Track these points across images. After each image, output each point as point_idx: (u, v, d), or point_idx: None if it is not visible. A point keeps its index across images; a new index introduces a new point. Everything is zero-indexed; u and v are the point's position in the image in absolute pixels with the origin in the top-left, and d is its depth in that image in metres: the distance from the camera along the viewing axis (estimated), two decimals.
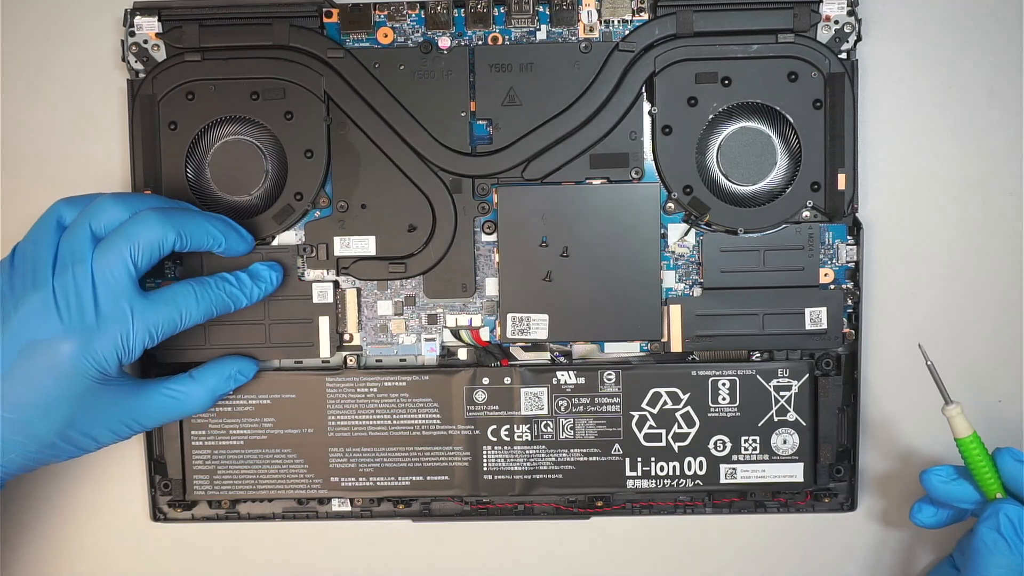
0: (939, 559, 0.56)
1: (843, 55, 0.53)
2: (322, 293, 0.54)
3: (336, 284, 0.54)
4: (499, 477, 0.54)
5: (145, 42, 0.54)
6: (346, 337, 0.55)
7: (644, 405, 0.54)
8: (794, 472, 0.54)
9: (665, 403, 0.54)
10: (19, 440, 0.47)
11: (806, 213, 0.53)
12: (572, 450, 0.54)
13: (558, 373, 0.54)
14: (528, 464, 0.54)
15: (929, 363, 0.50)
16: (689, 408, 0.54)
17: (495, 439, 0.54)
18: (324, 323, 0.54)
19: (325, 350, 0.54)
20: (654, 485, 0.54)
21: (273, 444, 0.54)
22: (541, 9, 0.53)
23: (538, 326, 0.53)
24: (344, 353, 0.55)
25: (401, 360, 0.55)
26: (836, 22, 0.52)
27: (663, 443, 0.54)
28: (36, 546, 0.57)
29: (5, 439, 0.47)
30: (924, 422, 0.56)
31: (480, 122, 0.54)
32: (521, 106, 0.53)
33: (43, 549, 0.57)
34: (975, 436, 0.49)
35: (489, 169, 0.53)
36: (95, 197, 0.49)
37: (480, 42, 0.54)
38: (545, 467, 0.54)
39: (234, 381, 0.53)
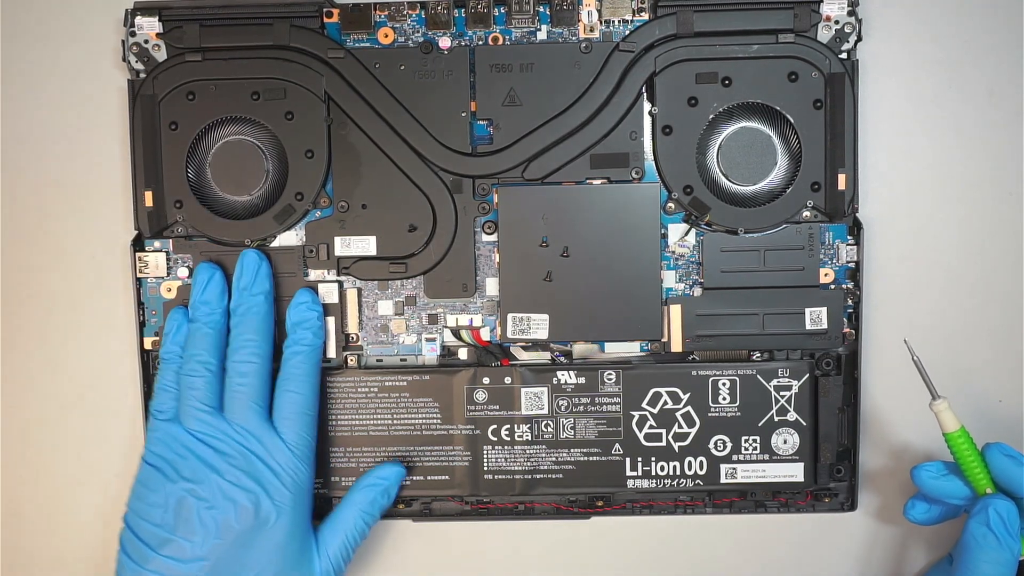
0: (938, 559, 0.56)
1: (843, 55, 0.53)
2: (327, 293, 0.54)
3: (340, 284, 0.54)
4: (499, 477, 0.54)
5: (146, 42, 0.54)
6: (352, 337, 0.55)
7: (644, 405, 0.54)
8: (794, 472, 0.54)
9: (665, 403, 0.54)
10: None
11: (806, 213, 0.53)
12: (572, 450, 0.54)
13: (558, 373, 0.54)
14: (528, 464, 0.54)
15: (915, 359, 0.50)
16: (689, 408, 0.54)
17: (495, 439, 0.54)
18: (330, 323, 0.54)
19: (331, 350, 0.54)
20: (654, 485, 0.54)
21: None
22: (541, 9, 0.54)
23: (538, 326, 0.53)
24: (345, 353, 0.55)
25: (402, 360, 0.55)
26: (836, 22, 0.53)
27: (663, 443, 0.54)
28: (37, 544, 0.57)
29: None
30: (924, 422, 0.56)
31: (480, 122, 0.54)
32: (521, 106, 0.53)
33: (44, 548, 0.57)
34: (963, 431, 0.49)
35: (489, 169, 0.53)
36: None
37: (480, 42, 0.54)
38: (545, 467, 0.54)
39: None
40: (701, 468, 0.54)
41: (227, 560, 0.49)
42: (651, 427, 0.54)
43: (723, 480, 0.54)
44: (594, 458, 0.54)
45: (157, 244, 0.55)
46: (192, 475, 0.49)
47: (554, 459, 0.54)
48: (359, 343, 0.55)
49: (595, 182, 0.53)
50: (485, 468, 0.54)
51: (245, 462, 0.50)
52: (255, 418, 0.50)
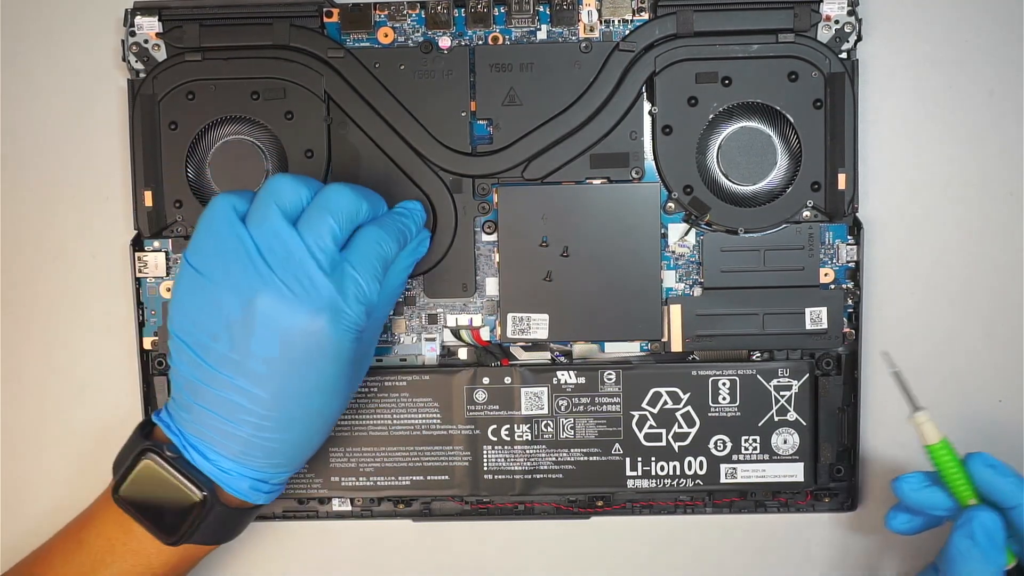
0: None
1: (843, 55, 0.53)
2: None
3: None
4: (499, 477, 0.54)
5: (145, 42, 0.54)
6: None
7: (644, 405, 0.54)
8: (794, 472, 0.54)
9: (665, 403, 0.54)
10: (326, 432, 0.48)
11: (806, 213, 0.53)
12: (572, 450, 0.54)
13: (558, 373, 0.54)
14: (528, 464, 0.54)
15: (894, 371, 0.49)
16: (689, 408, 0.54)
17: (495, 439, 0.54)
18: None
19: None
20: (654, 485, 0.54)
21: None
22: (541, 9, 0.54)
23: (538, 326, 0.53)
24: None
25: (401, 360, 0.55)
26: (836, 22, 0.53)
27: (663, 443, 0.54)
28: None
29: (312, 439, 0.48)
30: None
31: (480, 122, 0.54)
32: (521, 106, 0.53)
33: None
34: (944, 443, 0.48)
35: (489, 169, 0.53)
36: (268, 181, 0.46)
37: (480, 42, 0.54)
38: (545, 467, 0.54)
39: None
40: (701, 468, 0.54)
41: (290, 377, 0.45)
42: (651, 427, 0.54)
43: (723, 480, 0.54)
44: (594, 458, 0.54)
45: (157, 244, 0.55)
46: (242, 286, 0.45)
47: (554, 459, 0.54)
48: None
49: (595, 182, 0.53)
50: (485, 468, 0.54)
51: (306, 274, 0.45)
52: (331, 243, 0.46)
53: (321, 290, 0.44)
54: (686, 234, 0.54)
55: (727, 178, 0.53)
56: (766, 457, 0.54)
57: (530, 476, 0.54)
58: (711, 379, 0.54)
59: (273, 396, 0.45)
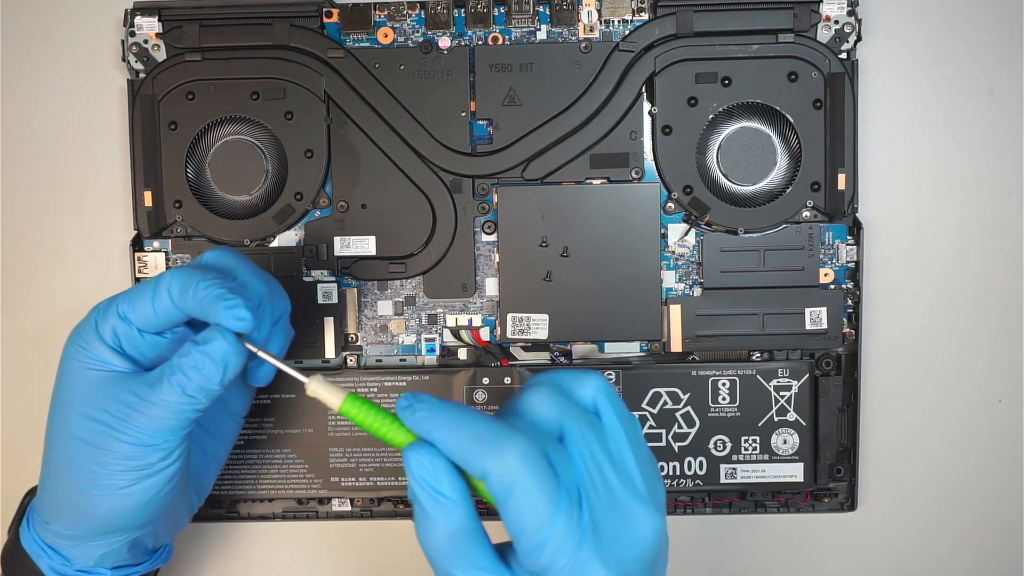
0: (937, 559, 0.56)
1: (843, 55, 0.53)
2: (327, 294, 0.54)
3: (340, 284, 0.54)
4: None
5: (145, 42, 0.54)
6: (351, 338, 0.55)
7: (644, 405, 0.54)
8: (794, 472, 0.54)
9: (665, 403, 0.54)
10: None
11: (806, 213, 0.53)
12: None
13: None
14: None
15: (262, 352, 0.44)
16: (689, 408, 0.54)
17: None
18: (329, 324, 0.54)
19: (330, 350, 0.54)
20: None
21: (273, 444, 0.54)
22: (541, 9, 0.53)
23: (538, 326, 0.53)
24: (344, 353, 0.55)
25: (401, 360, 0.55)
26: (836, 22, 0.52)
27: (663, 443, 0.54)
28: None
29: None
30: (924, 422, 0.56)
31: (480, 122, 0.54)
32: (521, 106, 0.53)
33: None
34: (351, 397, 0.41)
35: (489, 169, 0.53)
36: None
37: (480, 42, 0.54)
38: None
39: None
40: (701, 468, 0.54)
41: None
42: (651, 427, 0.54)
43: (723, 480, 0.54)
44: None
45: (156, 244, 0.55)
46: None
47: None
48: (358, 343, 0.55)
49: (595, 182, 0.53)
50: None
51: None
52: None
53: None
54: (686, 234, 0.54)
55: (727, 178, 0.53)
56: (766, 457, 0.54)
57: None
58: (711, 379, 0.54)
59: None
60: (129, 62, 0.54)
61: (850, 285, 0.54)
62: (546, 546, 0.37)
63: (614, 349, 0.55)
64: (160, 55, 0.54)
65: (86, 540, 0.45)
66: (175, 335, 0.45)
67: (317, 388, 0.42)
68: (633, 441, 0.39)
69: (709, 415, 0.54)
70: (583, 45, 0.53)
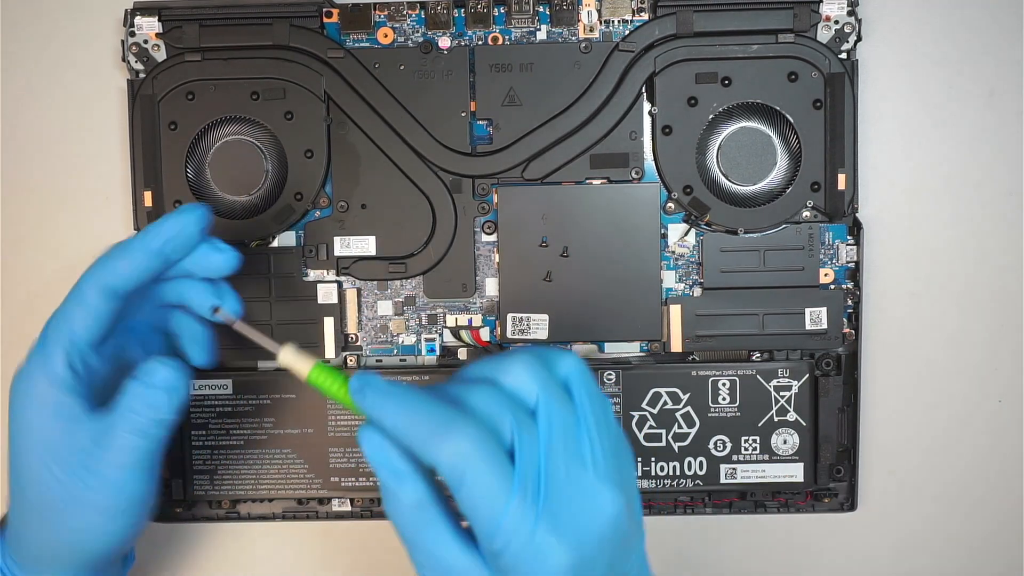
0: (937, 559, 0.56)
1: (843, 55, 0.53)
2: (327, 294, 0.54)
3: (340, 284, 0.54)
4: None
5: (145, 42, 0.54)
6: (351, 338, 0.55)
7: (644, 405, 0.54)
8: (794, 472, 0.54)
9: (665, 403, 0.54)
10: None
11: (806, 213, 0.53)
12: None
13: None
14: None
15: (234, 323, 0.45)
16: (689, 408, 0.54)
17: None
18: (329, 324, 0.54)
19: (330, 350, 0.54)
20: (654, 485, 0.54)
21: (273, 444, 0.54)
22: (541, 9, 0.53)
23: (538, 326, 0.53)
24: (344, 353, 0.55)
25: (401, 360, 0.55)
26: (836, 22, 0.52)
27: (663, 443, 0.54)
28: None
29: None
30: (925, 422, 0.56)
31: (480, 122, 0.54)
32: (521, 106, 0.53)
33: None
34: (319, 366, 0.42)
35: (489, 169, 0.53)
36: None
37: (480, 42, 0.54)
38: None
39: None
40: (701, 468, 0.54)
41: None
42: (651, 427, 0.54)
43: (723, 480, 0.54)
44: None
45: None
46: None
47: None
48: (358, 343, 0.55)
49: (595, 182, 0.53)
50: None
51: None
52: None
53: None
54: (686, 234, 0.54)
55: (727, 178, 0.53)
56: (766, 457, 0.54)
57: None
58: (711, 379, 0.54)
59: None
60: (129, 62, 0.54)
61: (850, 285, 0.54)
62: (499, 531, 0.37)
63: (614, 349, 0.55)
64: (160, 55, 0.54)
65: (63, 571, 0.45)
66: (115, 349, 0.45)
67: (287, 357, 0.42)
68: (601, 421, 0.39)
69: (709, 415, 0.54)
70: (583, 45, 0.53)
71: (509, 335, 0.53)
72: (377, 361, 0.55)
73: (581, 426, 0.39)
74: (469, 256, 0.54)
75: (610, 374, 0.54)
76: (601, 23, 0.53)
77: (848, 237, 0.54)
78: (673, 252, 0.54)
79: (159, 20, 0.53)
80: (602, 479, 0.38)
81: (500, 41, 0.54)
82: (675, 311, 0.53)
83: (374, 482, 0.54)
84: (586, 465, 0.38)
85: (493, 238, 0.54)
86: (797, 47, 0.52)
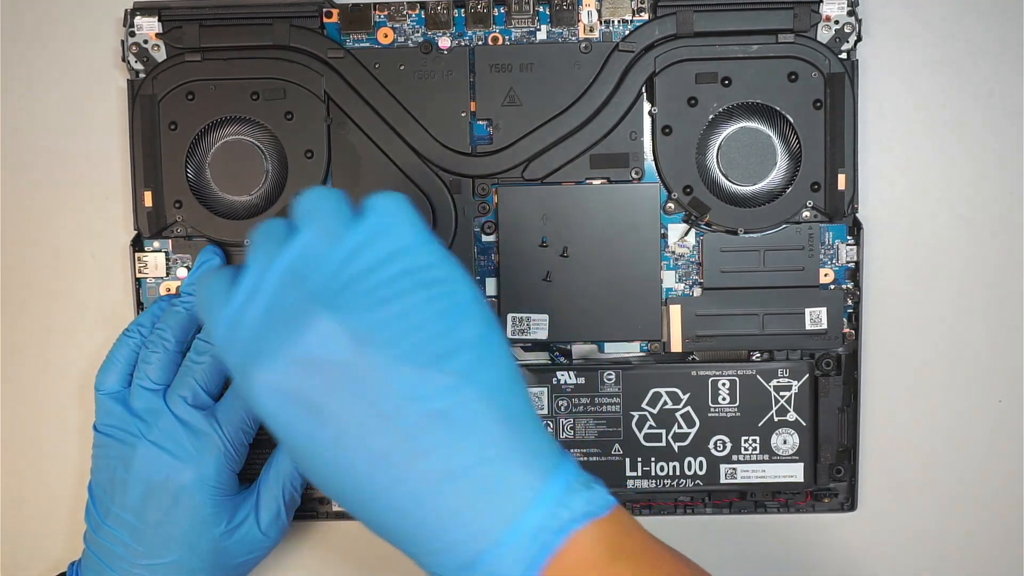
0: (937, 559, 0.56)
1: (843, 55, 0.53)
2: None
3: None
4: None
5: (145, 42, 0.54)
6: None
7: (644, 405, 0.54)
8: (794, 472, 0.54)
9: (665, 403, 0.54)
10: None
11: (806, 213, 0.53)
12: (572, 450, 0.54)
13: (558, 373, 0.54)
14: None
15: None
16: (689, 408, 0.54)
17: None
18: None
19: None
20: (654, 485, 0.54)
21: (273, 444, 0.54)
22: (541, 9, 0.53)
23: (538, 326, 0.53)
24: None
25: None
26: (836, 22, 0.52)
27: (663, 443, 0.54)
28: (37, 542, 0.57)
29: None
30: (924, 421, 0.56)
31: (480, 122, 0.54)
32: (521, 106, 0.53)
33: (44, 549, 0.57)
34: None
35: (489, 169, 0.53)
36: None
37: (480, 42, 0.54)
38: None
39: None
40: (701, 468, 0.54)
41: (153, 527, 0.49)
42: (651, 427, 0.54)
43: (723, 480, 0.54)
44: (594, 458, 0.54)
45: (157, 244, 0.55)
46: (124, 447, 0.49)
47: None
48: None
49: (595, 182, 0.53)
50: None
51: (171, 433, 0.49)
52: (195, 397, 0.50)
53: (182, 447, 0.49)
54: (686, 234, 0.54)
55: (727, 178, 0.53)
56: (766, 457, 0.54)
57: None
58: (711, 379, 0.54)
59: (138, 543, 0.48)
60: (129, 62, 0.54)
61: (850, 285, 0.54)
62: (212, 335, 0.40)
63: (614, 349, 0.55)
64: (160, 55, 0.54)
65: None
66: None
67: None
68: (370, 255, 0.39)
69: (709, 415, 0.54)
70: (583, 45, 0.53)
71: (509, 335, 0.53)
72: None
73: (333, 255, 0.39)
74: (469, 256, 0.54)
75: (610, 374, 0.54)
76: (601, 23, 0.53)
77: (848, 237, 0.54)
78: (673, 252, 0.54)
79: (159, 20, 0.53)
80: (320, 302, 0.38)
81: (500, 41, 0.54)
82: (675, 311, 0.53)
83: None
84: (301, 288, 0.38)
85: (493, 238, 0.54)
86: (797, 47, 0.52)
